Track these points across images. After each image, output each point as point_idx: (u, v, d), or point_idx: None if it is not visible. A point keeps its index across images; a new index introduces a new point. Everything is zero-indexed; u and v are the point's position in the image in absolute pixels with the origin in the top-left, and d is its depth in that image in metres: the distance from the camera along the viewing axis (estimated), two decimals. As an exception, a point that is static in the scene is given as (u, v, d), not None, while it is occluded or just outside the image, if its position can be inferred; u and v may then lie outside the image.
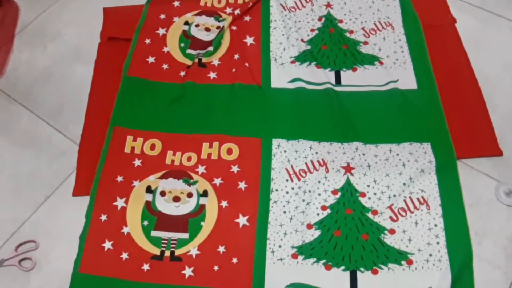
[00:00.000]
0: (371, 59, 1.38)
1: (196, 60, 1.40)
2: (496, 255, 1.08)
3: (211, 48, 1.41)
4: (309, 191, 1.17)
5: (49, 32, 1.53)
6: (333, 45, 1.41)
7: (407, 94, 1.31)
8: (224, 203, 1.17)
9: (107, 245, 1.12)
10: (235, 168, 1.21)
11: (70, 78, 1.43)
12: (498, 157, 1.21)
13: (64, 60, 1.46)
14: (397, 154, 1.21)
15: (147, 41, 1.45)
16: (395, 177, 1.17)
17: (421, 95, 1.30)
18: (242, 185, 1.19)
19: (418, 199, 1.15)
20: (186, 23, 1.49)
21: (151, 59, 1.41)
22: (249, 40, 1.44)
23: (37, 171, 1.25)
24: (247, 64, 1.39)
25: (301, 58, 1.39)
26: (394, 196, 1.15)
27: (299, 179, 1.19)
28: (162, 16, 1.51)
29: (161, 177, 1.21)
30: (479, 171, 1.19)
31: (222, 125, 1.28)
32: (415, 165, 1.18)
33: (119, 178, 1.21)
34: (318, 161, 1.21)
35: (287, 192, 1.17)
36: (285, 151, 1.23)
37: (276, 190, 1.18)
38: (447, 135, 1.23)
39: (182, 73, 1.38)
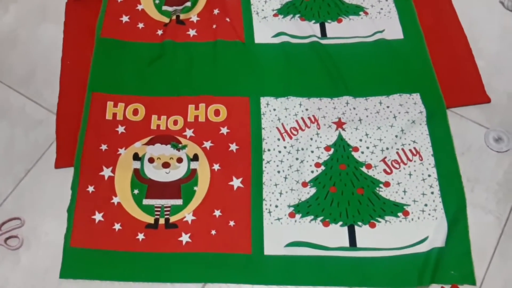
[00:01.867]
0: (356, 10, 1.34)
1: (174, 17, 1.32)
2: (488, 200, 1.10)
3: (188, 4, 1.33)
4: (302, 149, 1.15)
5: (9, -8, 1.41)
6: (315, -4, 1.36)
7: (393, 44, 1.28)
8: (216, 166, 1.13)
9: (98, 216, 1.08)
10: (224, 130, 1.18)
11: (38, 40, 1.33)
12: (486, 104, 1.21)
13: (30, 21, 1.36)
14: (388, 107, 1.20)
15: (119, -2, 1.36)
16: (386, 130, 1.16)
17: (407, 44, 1.28)
18: (233, 147, 1.15)
19: (410, 150, 1.14)
20: (159, -23, 1.40)
21: (125, 18, 1.33)
22: (228, -7, 1.37)
23: (14, 144, 1.18)
24: (228, 19, 1.32)
25: (284, 10, 1.34)
26: (387, 149, 1.14)
27: (290, 138, 1.17)
28: (131, -30, 1.41)
29: (148, 143, 1.16)
30: (468, 119, 1.20)
31: (207, 86, 1.23)
32: (406, 116, 1.17)
33: (103, 147, 1.15)
34: (309, 118, 1.18)
35: (279, 151, 1.15)
36: (274, 110, 1.20)
37: (268, 150, 1.15)
38: (436, 85, 1.22)
39: (160, 32, 1.31)
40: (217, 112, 1.20)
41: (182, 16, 1.32)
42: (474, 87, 1.23)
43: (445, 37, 1.30)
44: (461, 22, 1.32)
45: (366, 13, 1.33)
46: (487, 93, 1.22)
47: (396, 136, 1.15)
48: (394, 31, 1.30)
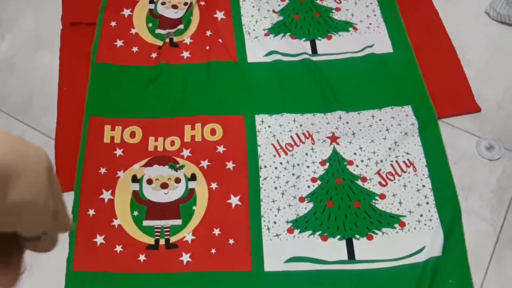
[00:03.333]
0: (345, 26, 1.37)
1: (167, 40, 1.35)
2: (482, 208, 1.12)
3: (181, 26, 1.36)
4: (298, 165, 1.17)
5: (5, 20, 1.44)
6: (305, 14, 1.39)
7: (384, 58, 1.31)
8: (213, 185, 1.15)
9: (99, 239, 1.09)
10: (220, 148, 1.20)
11: (35, 68, 1.35)
12: (477, 113, 1.23)
13: (26, 49, 1.38)
14: (380, 120, 1.22)
15: (113, 23, 1.39)
16: (380, 143, 1.19)
17: (397, 58, 1.31)
18: (230, 165, 1.17)
19: (404, 162, 1.17)
20: (151, 1, 1.43)
21: (119, 43, 1.36)
22: (220, 15, 1.40)
23: (14, 171, 1.19)
24: (220, 40, 1.35)
25: (275, 30, 1.37)
26: (381, 161, 1.16)
27: (286, 154, 1.19)
28: (125, -4, 1.44)
29: (146, 165, 1.18)
30: (460, 128, 1.22)
31: (202, 106, 1.26)
32: (399, 128, 1.20)
33: (102, 170, 1.17)
34: (304, 134, 1.21)
35: (276, 168, 1.17)
36: (269, 126, 1.22)
37: (265, 167, 1.17)
38: (427, 97, 1.24)
39: (154, 55, 1.33)
40: (213, 131, 1.22)
41: (175, 39, 1.35)
42: (464, 97, 1.25)
43: (434, 49, 1.33)
44: (448, 34, 1.35)
45: (356, 29, 1.36)
46: (477, 103, 1.24)
47: (390, 149, 1.17)
48: (383, 45, 1.33)
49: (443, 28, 1.36)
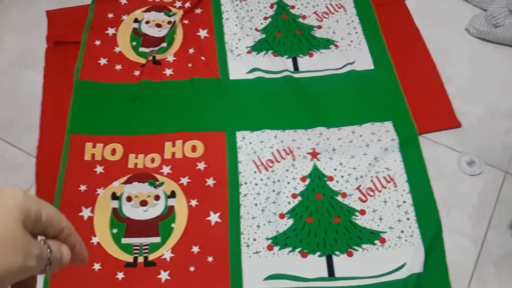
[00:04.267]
0: (326, 43, 1.38)
1: (150, 58, 1.36)
2: (463, 224, 1.11)
3: (164, 44, 1.38)
4: (278, 181, 1.16)
5: (-10, 40, 1.45)
6: (287, 32, 1.40)
7: (364, 75, 1.32)
8: (193, 202, 1.15)
9: None
10: (201, 165, 1.19)
11: (19, 86, 1.36)
12: (458, 129, 1.24)
13: (10, 69, 1.39)
14: (360, 135, 1.22)
15: (97, 42, 1.40)
16: (360, 158, 1.18)
17: (378, 74, 1.32)
18: (210, 181, 1.17)
19: (384, 177, 1.16)
20: (136, 20, 1.44)
21: (103, 61, 1.37)
22: (203, 33, 1.41)
23: (-6, 189, 1.19)
24: (203, 58, 1.36)
25: (257, 47, 1.38)
26: (361, 177, 1.16)
27: (267, 170, 1.18)
28: (110, 15, 1.46)
29: (126, 182, 1.17)
30: (441, 144, 1.22)
31: (183, 122, 1.26)
32: (379, 144, 1.20)
33: (82, 187, 1.16)
34: (284, 150, 1.21)
35: (256, 184, 1.16)
36: (250, 143, 1.22)
37: (245, 183, 1.17)
38: (407, 112, 1.25)
39: (137, 73, 1.34)
40: (194, 148, 1.22)
41: (158, 57, 1.36)
42: (444, 113, 1.26)
43: (415, 66, 1.34)
44: (429, 51, 1.36)
45: (337, 46, 1.37)
46: (458, 118, 1.25)
47: (370, 164, 1.17)
48: (364, 62, 1.34)
49: (423, 45, 1.37)
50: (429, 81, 1.31)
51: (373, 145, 1.20)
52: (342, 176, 1.16)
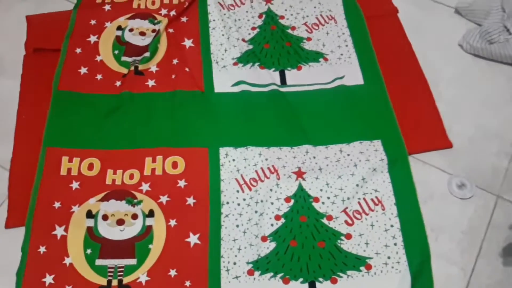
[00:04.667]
0: (316, 56, 1.33)
1: (132, 68, 1.31)
2: (452, 251, 1.07)
3: (147, 54, 1.32)
4: (261, 201, 1.11)
5: (-33, 45, 1.40)
6: (275, 43, 1.35)
7: (354, 90, 1.27)
8: (172, 222, 1.10)
9: (48, 279, 1.03)
10: (182, 183, 1.14)
11: (-6, 95, 1.31)
12: (448, 149, 1.19)
13: (-14, 77, 1.34)
14: (348, 155, 1.17)
15: (78, 50, 1.35)
16: (347, 179, 1.14)
17: (368, 90, 1.27)
18: (190, 200, 1.12)
19: (372, 199, 1.12)
20: (119, 28, 1.39)
21: (83, 70, 1.31)
22: (188, 43, 1.36)
23: (-37, 204, 1.14)
24: (187, 69, 1.31)
25: (244, 59, 1.33)
26: (348, 198, 1.11)
27: (250, 189, 1.14)
28: (93, 22, 1.40)
29: (102, 199, 1.12)
30: (431, 165, 1.18)
31: (165, 137, 1.21)
32: (367, 164, 1.15)
33: (57, 204, 1.11)
34: (269, 168, 1.16)
35: (238, 204, 1.12)
36: (233, 160, 1.17)
37: (227, 203, 1.12)
38: (397, 131, 1.20)
39: (118, 83, 1.29)
40: (174, 165, 1.17)
41: (140, 67, 1.31)
42: (435, 132, 1.22)
43: (406, 82, 1.29)
44: (421, 66, 1.31)
45: (326, 59, 1.32)
46: (449, 138, 1.20)
47: (357, 185, 1.13)
48: (354, 76, 1.29)
49: (415, 60, 1.33)
50: (420, 98, 1.27)
51: (361, 165, 1.15)
52: (328, 198, 1.12)
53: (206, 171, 1.16)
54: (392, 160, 1.16)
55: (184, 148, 1.19)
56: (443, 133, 1.21)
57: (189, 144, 1.20)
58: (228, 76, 1.30)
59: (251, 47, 1.35)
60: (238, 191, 1.13)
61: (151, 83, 1.29)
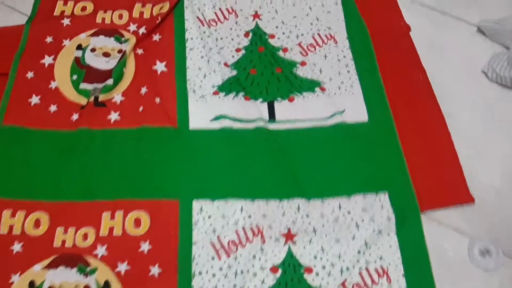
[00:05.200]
0: (311, 85, 1.12)
1: (92, 99, 1.10)
2: (474, 338, 0.87)
3: (110, 81, 1.11)
4: (242, 272, 0.91)
5: None
6: (263, 68, 1.14)
7: (356, 129, 1.06)
8: (133, 297, 0.90)
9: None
10: (145, 246, 0.94)
11: None
12: (469, 205, 0.99)
13: None
14: (349, 212, 0.97)
15: (29, 74, 1.13)
16: (347, 244, 0.94)
17: (373, 129, 1.06)
18: (154, 270, 0.92)
19: (376, 270, 0.92)
20: (79, 47, 1.17)
21: (34, 99, 1.10)
22: (160, 67, 1.15)
23: None
24: (158, 100, 1.10)
25: (226, 87, 1.12)
26: (347, 269, 0.91)
27: (228, 255, 0.93)
28: (49, 39, 1.18)
29: (49, 266, 0.92)
30: (447, 225, 0.97)
31: (127, 186, 1.00)
32: (371, 225, 0.95)
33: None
34: (252, 229, 0.96)
35: (213, 275, 0.92)
36: (209, 217, 0.97)
37: (200, 273, 0.92)
38: (408, 181, 1.00)
39: (75, 116, 1.08)
40: (137, 222, 0.97)
41: (102, 97, 1.10)
42: (453, 184, 1.01)
43: (419, 118, 1.08)
44: (437, 98, 1.10)
45: (323, 89, 1.11)
46: (470, 191, 1.00)
47: (359, 252, 0.93)
48: (357, 111, 1.08)
49: (431, 91, 1.11)
50: (436, 139, 1.05)
51: (364, 226, 0.95)
52: (324, 267, 0.92)
53: (176, 231, 0.96)
54: (400, 218, 0.96)
55: (149, 200, 0.99)
56: (463, 184, 1.00)
57: (156, 194, 0.99)
58: (206, 109, 1.09)
59: (234, 72, 1.13)
60: (213, 258, 0.93)
61: (114, 116, 1.08)
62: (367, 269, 0.92)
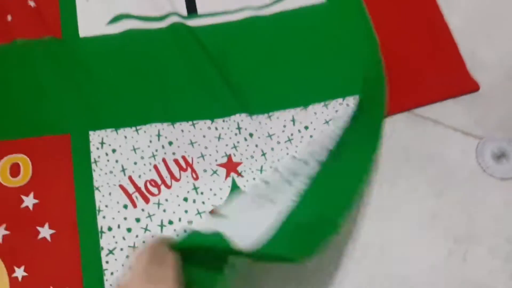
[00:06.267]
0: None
1: None
2: (493, 275, 0.63)
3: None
4: (170, 222, 0.65)
5: None
6: None
7: (309, 15, 0.76)
8: (19, 273, 0.64)
9: None
10: (28, 201, 0.67)
11: None
12: (473, 94, 0.72)
13: None
14: (306, 128, 0.70)
15: None
16: (310, 166, 0.67)
17: (333, 11, 0.77)
18: (45, 232, 0.65)
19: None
20: None
21: None
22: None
23: None
24: (32, 4, 0.79)
25: (127, -24, 0.81)
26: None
27: (147, 201, 0.67)
28: None
29: None
30: (448, 125, 0.71)
31: (-2, 124, 0.72)
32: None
33: None
34: (177, 161, 0.68)
35: (128, 230, 0.65)
36: (114, 151, 0.69)
37: (110, 229, 0.65)
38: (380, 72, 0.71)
39: None
40: (15, 169, 0.69)
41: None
42: (449, 69, 0.74)
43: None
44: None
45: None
46: (472, 75, 0.73)
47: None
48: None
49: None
50: (421, 13, 0.77)
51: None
52: (280, 201, 0.66)
53: (69, 176, 0.68)
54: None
55: (29, 138, 0.70)
56: (461, 67, 0.73)
57: (38, 131, 0.71)
58: (101, 8, 0.78)
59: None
60: (126, 207, 0.66)
61: (-24, 32, 0.77)
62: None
